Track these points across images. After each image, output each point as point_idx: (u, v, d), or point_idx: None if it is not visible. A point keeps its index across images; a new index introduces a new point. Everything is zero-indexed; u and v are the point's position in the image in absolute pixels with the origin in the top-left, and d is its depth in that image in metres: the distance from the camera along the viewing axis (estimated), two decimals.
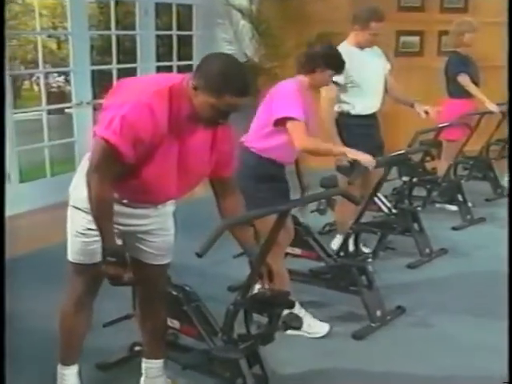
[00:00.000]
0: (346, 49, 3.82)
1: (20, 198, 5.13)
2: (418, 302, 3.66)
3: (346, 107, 4.03)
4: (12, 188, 5.16)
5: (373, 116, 4.16)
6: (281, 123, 2.91)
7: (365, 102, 4.03)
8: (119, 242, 2.27)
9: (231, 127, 2.32)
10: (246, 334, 2.44)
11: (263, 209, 2.15)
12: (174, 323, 2.75)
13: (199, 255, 1.93)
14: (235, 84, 2.01)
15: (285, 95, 2.95)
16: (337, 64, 3.15)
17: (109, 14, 8.34)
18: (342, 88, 3.95)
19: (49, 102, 7.66)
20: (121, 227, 2.30)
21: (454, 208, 5.27)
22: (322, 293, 3.57)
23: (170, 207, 2.47)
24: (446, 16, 7.08)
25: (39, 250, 4.38)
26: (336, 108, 4.04)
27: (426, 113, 4.15)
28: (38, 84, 8.56)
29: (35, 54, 8.61)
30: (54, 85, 7.31)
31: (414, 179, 4.85)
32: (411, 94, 4.54)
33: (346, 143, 3.67)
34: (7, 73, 5.37)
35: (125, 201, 2.27)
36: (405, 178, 5.00)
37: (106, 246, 2.16)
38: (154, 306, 2.55)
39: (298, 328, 2.51)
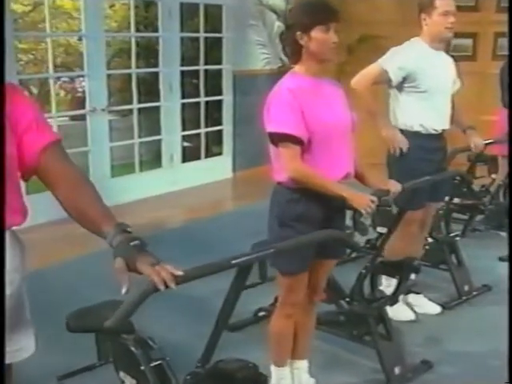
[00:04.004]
0: (416, 44, 3.24)
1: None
2: (449, 355, 3.04)
3: (404, 120, 3.26)
4: None
5: (441, 136, 3.36)
6: (272, 140, 2.31)
7: (432, 114, 3.25)
8: None
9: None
10: None
11: (212, 263, 1.62)
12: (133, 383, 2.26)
13: (110, 329, 1.44)
14: None
15: (274, 103, 2.29)
16: (314, 11, 2.25)
17: (140, 14, 8.04)
18: (399, 88, 3.21)
19: (75, 108, 7.38)
20: None
21: (503, 233, 4.59)
22: (331, 340, 3.02)
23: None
24: (503, 16, 6.38)
25: None
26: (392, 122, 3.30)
27: (475, 147, 3.53)
28: (64, 89, 8.32)
29: (65, 57, 8.36)
30: (80, 89, 6.98)
31: (455, 200, 4.19)
32: (462, 102, 3.88)
33: (399, 173, 2.93)
34: (17, 77, 5.07)
35: None
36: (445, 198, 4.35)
37: None
38: None
39: None
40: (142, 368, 2.17)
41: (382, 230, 3.75)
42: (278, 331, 2.52)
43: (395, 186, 2.51)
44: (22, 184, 1.69)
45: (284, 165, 2.27)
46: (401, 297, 3.39)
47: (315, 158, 2.29)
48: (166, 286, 1.47)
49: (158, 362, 2.20)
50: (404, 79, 3.21)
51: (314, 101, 2.29)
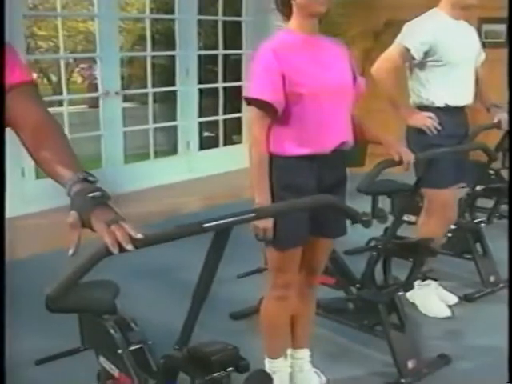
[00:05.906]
0: (435, 15, 3.01)
1: (34, 196, 4.67)
2: (469, 349, 2.79)
3: (426, 95, 3.04)
4: (26, 184, 4.71)
5: (463, 111, 3.15)
6: (248, 102, 2.11)
7: (455, 89, 3.05)
8: None
9: None
10: None
11: (179, 226, 1.40)
12: (112, 369, 2.06)
13: (51, 298, 1.23)
14: None
15: (254, 65, 2.09)
16: None
17: (161, 0, 7.87)
18: (420, 65, 3.00)
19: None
20: None
21: None
22: (338, 329, 2.78)
23: None
24: None
25: None
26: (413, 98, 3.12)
27: (499, 123, 3.30)
28: (82, 75, 8.21)
29: (86, 44, 8.25)
30: (97, 76, 6.85)
31: (479, 186, 3.91)
32: (494, 91, 3.62)
33: (419, 149, 2.64)
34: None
35: None
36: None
37: None
38: None
39: None
40: (119, 352, 1.98)
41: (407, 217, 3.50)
42: (269, 316, 2.29)
43: (407, 155, 2.23)
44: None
45: (250, 127, 2.11)
46: (436, 291, 3.18)
47: (303, 122, 2.06)
48: (122, 250, 1.27)
49: (139, 346, 2.00)
50: (425, 54, 2.97)
51: (302, 59, 2.06)
